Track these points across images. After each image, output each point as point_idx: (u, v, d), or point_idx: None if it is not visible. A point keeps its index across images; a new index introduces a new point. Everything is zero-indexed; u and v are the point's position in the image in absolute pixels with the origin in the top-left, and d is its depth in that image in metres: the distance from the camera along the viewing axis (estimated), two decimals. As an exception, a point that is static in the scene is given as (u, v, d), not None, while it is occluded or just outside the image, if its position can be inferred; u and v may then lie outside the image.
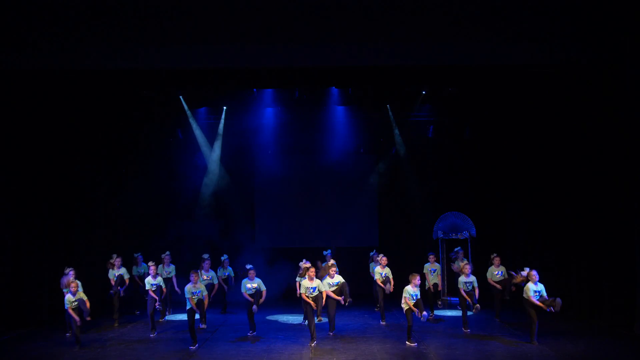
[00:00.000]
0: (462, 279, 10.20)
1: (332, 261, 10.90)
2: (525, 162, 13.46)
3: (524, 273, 9.41)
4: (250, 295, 9.89)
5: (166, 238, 14.27)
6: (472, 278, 10.22)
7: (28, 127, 11.22)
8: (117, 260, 11.42)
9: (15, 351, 9.06)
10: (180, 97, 13.77)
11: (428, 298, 11.56)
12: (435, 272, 11.82)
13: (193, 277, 9.31)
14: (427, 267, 11.81)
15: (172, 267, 11.92)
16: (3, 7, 8.67)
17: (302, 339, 9.63)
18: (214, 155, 15.02)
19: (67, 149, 12.25)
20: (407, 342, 9.16)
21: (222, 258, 12.29)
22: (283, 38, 9.44)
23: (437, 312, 11.85)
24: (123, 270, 11.42)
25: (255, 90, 13.75)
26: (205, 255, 11.80)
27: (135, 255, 12.34)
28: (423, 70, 11.19)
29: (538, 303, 8.90)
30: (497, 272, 11.17)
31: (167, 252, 12.01)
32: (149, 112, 13.85)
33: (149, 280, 10.21)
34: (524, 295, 9.11)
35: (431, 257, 11.92)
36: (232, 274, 12.22)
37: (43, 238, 11.70)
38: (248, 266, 10.27)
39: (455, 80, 12.44)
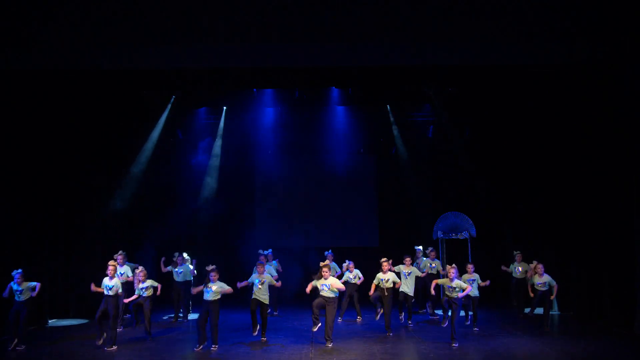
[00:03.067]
0: (448, 283, 9.29)
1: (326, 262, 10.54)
2: (525, 162, 13.46)
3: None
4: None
5: (166, 238, 14.28)
6: (457, 282, 9.25)
7: (28, 127, 11.22)
8: (179, 259, 11.66)
9: (15, 351, 9.05)
10: (173, 97, 13.75)
11: (404, 305, 10.99)
12: (411, 275, 10.84)
13: (258, 268, 9.64)
14: (401, 267, 10.96)
15: (126, 268, 10.99)
16: (3, 7, 8.67)
17: (302, 339, 9.63)
18: (213, 155, 15.02)
19: (67, 149, 12.25)
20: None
21: (266, 252, 12.26)
22: (283, 38, 9.43)
23: (437, 312, 11.82)
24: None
25: (255, 90, 13.76)
26: (260, 251, 11.78)
27: (120, 252, 11.80)
28: (423, 70, 11.19)
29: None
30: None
31: (120, 251, 11.09)
32: (149, 112, 13.84)
33: (105, 281, 9.29)
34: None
35: (407, 260, 10.99)
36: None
37: (43, 238, 11.70)
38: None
39: (455, 80, 12.44)
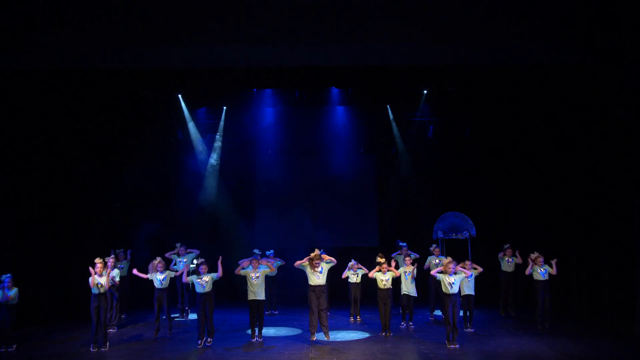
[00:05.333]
0: (445, 278, 9.04)
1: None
2: (525, 162, 13.47)
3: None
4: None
5: (166, 238, 14.27)
6: (455, 277, 9.07)
7: (29, 127, 11.23)
8: (181, 249, 11.58)
9: (16, 351, 9.06)
10: (179, 96, 13.77)
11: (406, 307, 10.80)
12: (410, 276, 10.61)
13: (253, 263, 9.72)
14: (401, 270, 10.68)
15: (116, 271, 10.56)
16: (3, 7, 8.67)
17: (302, 339, 9.63)
18: (213, 155, 15.03)
19: (67, 148, 12.26)
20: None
21: (268, 253, 12.26)
22: (283, 38, 9.42)
23: (437, 312, 11.82)
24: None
25: (255, 90, 13.75)
26: (256, 250, 11.70)
27: (118, 251, 11.77)
28: (423, 70, 11.19)
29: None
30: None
31: (112, 255, 11.04)
32: (149, 112, 13.85)
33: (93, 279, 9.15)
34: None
35: (407, 260, 10.79)
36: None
37: (44, 237, 11.70)
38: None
39: (455, 80, 12.44)
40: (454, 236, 13.77)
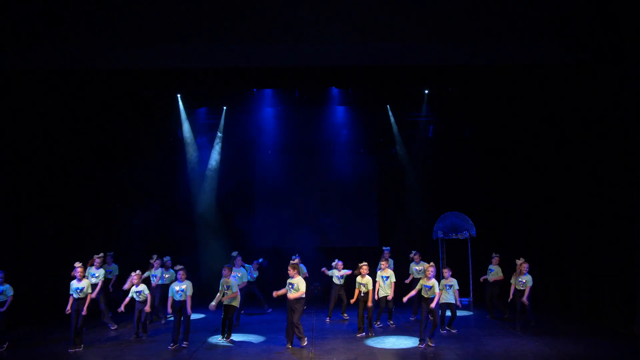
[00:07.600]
0: (423, 282, 9.08)
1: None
2: (525, 162, 13.46)
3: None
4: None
5: (166, 238, 14.28)
6: (433, 281, 8.99)
7: (29, 127, 11.23)
8: (156, 262, 11.18)
9: (16, 351, 9.05)
10: (178, 96, 13.77)
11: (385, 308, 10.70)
12: (388, 279, 10.39)
13: (225, 271, 9.45)
14: (379, 274, 10.48)
15: (101, 271, 10.61)
16: (4, 7, 8.67)
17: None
18: (213, 155, 15.03)
19: (67, 148, 12.26)
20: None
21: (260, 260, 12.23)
22: (283, 38, 9.43)
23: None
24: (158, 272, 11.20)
25: (255, 90, 13.76)
26: (234, 253, 11.56)
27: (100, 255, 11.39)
28: (423, 70, 11.19)
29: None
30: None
31: (101, 254, 10.90)
32: (148, 112, 13.85)
33: (73, 284, 9.08)
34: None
35: (383, 264, 10.56)
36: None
37: (43, 237, 11.70)
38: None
39: (455, 80, 12.44)
40: (454, 236, 13.77)
